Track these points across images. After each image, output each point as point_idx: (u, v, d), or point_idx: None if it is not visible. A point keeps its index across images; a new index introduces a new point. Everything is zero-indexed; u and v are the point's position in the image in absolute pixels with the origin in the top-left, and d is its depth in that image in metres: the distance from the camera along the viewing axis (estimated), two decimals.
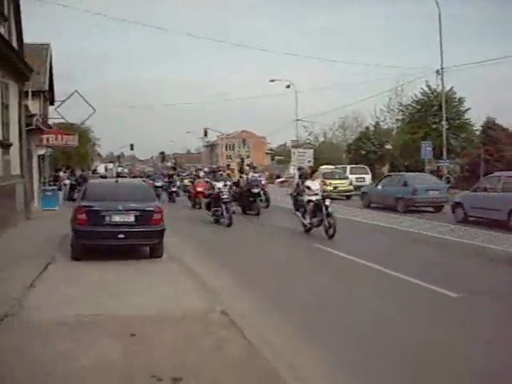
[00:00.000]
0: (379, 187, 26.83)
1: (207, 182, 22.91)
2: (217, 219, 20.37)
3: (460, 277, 10.90)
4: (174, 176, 37.55)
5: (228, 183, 21.44)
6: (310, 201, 16.91)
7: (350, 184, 35.25)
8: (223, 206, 19.75)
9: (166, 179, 35.99)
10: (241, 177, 27.50)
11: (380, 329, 7.47)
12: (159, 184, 33.44)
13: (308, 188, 17.33)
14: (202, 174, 29.24)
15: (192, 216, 24.22)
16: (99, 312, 7.67)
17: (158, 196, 25.61)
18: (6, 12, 17.75)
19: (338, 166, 41.00)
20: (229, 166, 28.29)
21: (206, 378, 5.56)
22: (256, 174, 26.97)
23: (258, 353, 6.26)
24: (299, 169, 24.83)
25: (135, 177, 48.48)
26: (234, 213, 20.24)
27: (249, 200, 24.14)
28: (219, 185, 20.48)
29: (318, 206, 16.51)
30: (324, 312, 8.41)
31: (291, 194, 21.01)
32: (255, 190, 24.07)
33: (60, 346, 6.35)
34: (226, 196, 19.91)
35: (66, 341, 6.52)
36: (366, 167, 42.60)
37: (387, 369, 6.05)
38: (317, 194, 16.82)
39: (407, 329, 7.48)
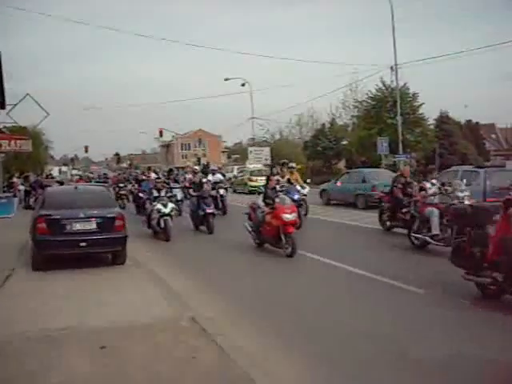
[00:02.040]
0: (338, 184, 27.01)
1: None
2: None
3: (423, 272, 11.02)
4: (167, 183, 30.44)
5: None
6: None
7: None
8: None
9: (134, 186, 28.83)
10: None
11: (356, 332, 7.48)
12: (179, 196, 23.06)
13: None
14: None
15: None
16: (66, 325, 7.47)
17: (179, 211, 20.21)
18: None
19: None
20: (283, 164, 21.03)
21: None
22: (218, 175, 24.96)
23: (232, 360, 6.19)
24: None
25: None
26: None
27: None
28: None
29: None
30: (293, 314, 8.37)
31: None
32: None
33: (27, 363, 6.15)
34: None
35: (32, 358, 6.31)
36: None
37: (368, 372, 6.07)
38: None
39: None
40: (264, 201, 14.43)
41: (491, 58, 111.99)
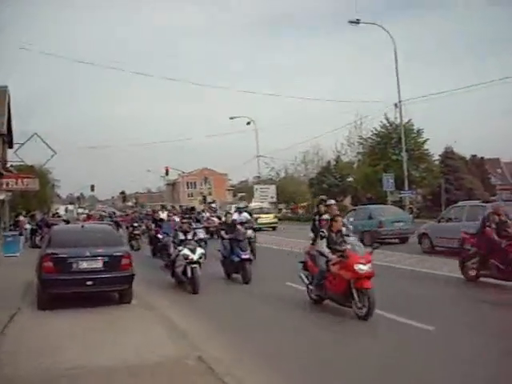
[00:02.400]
0: (344, 221, 26.91)
1: None
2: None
3: (434, 308, 10.83)
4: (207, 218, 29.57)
5: None
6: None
7: (275, 217, 43.59)
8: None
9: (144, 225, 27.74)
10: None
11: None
12: (201, 235, 20.13)
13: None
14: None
15: None
16: (74, 365, 7.36)
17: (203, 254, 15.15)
18: None
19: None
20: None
21: None
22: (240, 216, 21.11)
23: None
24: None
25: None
26: None
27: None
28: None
29: None
30: (304, 357, 8.23)
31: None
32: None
33: None
34: None
35: None
36: None
37: None
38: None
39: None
40: (328, 247, 11.16)
41: (494, 93, 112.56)
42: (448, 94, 60.11)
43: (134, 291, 12.35)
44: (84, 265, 11.50)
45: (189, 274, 13.98)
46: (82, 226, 14.23)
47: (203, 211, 32.70)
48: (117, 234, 14.14)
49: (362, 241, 23.74)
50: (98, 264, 11.60)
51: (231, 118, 56.86)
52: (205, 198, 61.33)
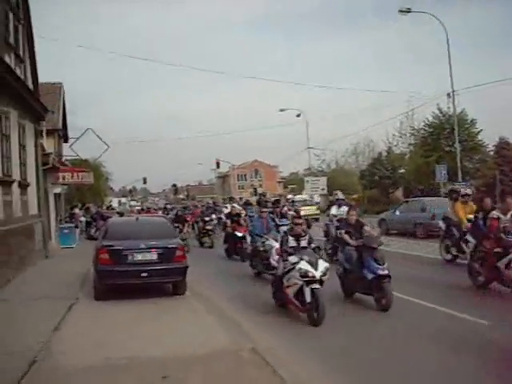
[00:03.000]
0: (397, 213, 26.69)
1: None
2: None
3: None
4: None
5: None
6: None
7: (317, 209, 44.64)
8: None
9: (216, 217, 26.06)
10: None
11: None
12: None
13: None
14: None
15: None
16: (128, 354, 7.52)
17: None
18: (21, 54, 17.94)
19: None
20: None
21: None
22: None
23: None
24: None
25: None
26: None
27: None
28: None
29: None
30: (359, 350, 8.18)
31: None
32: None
33: None
34: None
35: None
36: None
37: None
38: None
39: None
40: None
41: None
42: (504, 83, 58.41)
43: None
44: (139, 257, 11.73)
45: (308, 298, 9.69)
46: (137, 219, 14.52)
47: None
48: (170, 225, 14.26)
49: (414, 233, 23.97)
50: (153, 256, 11.81)
51: (281, 110, 56.63)
52: (256, 190, 61.54)
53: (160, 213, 36.56)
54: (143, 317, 10.12)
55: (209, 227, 24.86)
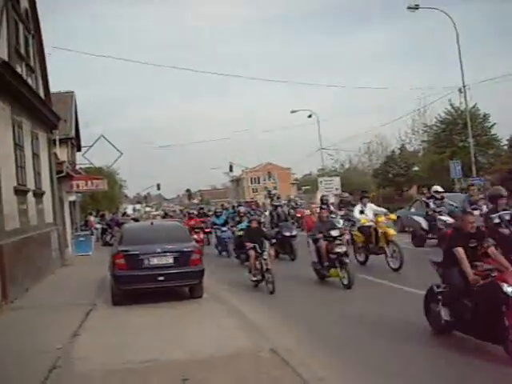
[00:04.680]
0: (412, 210, 26.52)
1: None
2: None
3: None
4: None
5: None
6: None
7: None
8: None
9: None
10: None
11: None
12: None
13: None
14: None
15: None
16: (148, 358, 7.52)
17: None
18: (32, 64, 18.08)
19: None
20: None
21: None
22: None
23: None
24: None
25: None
26: None
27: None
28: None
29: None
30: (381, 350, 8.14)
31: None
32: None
33: None
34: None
35: None
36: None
37: None
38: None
39: None
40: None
41: None
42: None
43: None
44: (155, 261, 11.74)
45: None
46: (152, 224, 14.54)
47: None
48: (185, 229, 14.28)
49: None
50: (169, 260, 11.82)
51: (292, 112, 56.30)
52: (269, 192, 61.39)
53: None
54: (161, 320, 10.15)
55: None
